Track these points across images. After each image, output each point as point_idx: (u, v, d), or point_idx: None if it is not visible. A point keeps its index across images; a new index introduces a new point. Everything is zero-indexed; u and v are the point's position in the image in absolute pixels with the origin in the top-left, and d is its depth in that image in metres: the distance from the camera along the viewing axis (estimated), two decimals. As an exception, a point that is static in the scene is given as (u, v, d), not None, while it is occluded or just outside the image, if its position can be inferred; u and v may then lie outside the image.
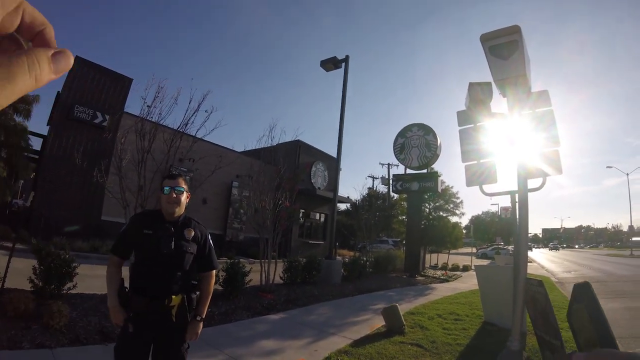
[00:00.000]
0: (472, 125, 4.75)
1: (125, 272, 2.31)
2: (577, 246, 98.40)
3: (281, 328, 5.70)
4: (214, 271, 2.52)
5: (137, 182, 5.99)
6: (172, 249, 2.22)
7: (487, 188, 4.67)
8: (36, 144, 15.41)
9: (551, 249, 75.99)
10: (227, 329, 5.40)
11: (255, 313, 6.39)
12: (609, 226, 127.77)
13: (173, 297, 2.21)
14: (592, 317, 2.53)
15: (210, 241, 2.49)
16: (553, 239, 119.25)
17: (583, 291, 2.66)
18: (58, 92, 14.32)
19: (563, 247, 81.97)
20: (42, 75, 0.35)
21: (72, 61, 0.39)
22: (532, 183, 4.20)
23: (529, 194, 4.16)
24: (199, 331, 2.37)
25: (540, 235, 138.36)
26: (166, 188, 2.28)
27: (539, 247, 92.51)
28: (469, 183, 4.67)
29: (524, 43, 3.99)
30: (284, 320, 6.25)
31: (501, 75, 4.16)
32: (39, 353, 3.70)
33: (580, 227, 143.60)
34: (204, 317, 2.40)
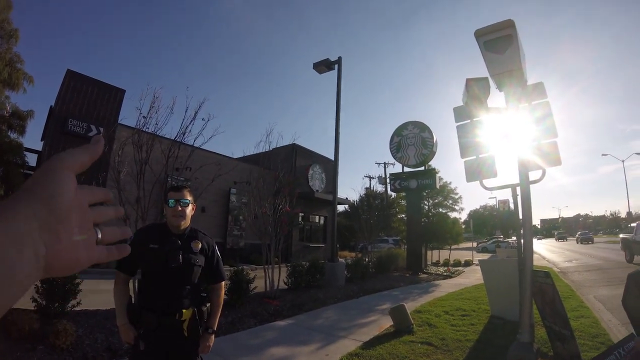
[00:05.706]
0: (469, 121, 4.76)
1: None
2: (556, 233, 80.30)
3: (290, 334, 5.67)
4: (224, 282, 2.47)
5: (136, 194, 5.94)
6: (180, 263, 2.15)
7: (487, 182, 4.69)
8: (31, 160, 15.21)
9: (559, 238, 65.30)
10: (236, 337, 5.36)
11: (262, 320, 6.35)
12: (607, 213, 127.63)
13: (184, 311, 2.16)
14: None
15: (218, 252, 2.44)
16: (552, 229, 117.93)
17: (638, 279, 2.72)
18: (51, 106, 14.16)
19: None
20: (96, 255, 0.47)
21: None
22: (532, 175, 4.22)
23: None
24: (211, 344, 2.33)
25: (539, 226, 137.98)
26: (171, 201, 2.18)
27: (540, 238, 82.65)
28: (469, 178, 4.67)
29: (518, 37, 4.01)
30: (291, 326, 6.22)
31: (497, 69, 4.18)
32: (47, 374, 3.60)
33: (579, 215, 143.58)
34: (215, 329, 2.36)
